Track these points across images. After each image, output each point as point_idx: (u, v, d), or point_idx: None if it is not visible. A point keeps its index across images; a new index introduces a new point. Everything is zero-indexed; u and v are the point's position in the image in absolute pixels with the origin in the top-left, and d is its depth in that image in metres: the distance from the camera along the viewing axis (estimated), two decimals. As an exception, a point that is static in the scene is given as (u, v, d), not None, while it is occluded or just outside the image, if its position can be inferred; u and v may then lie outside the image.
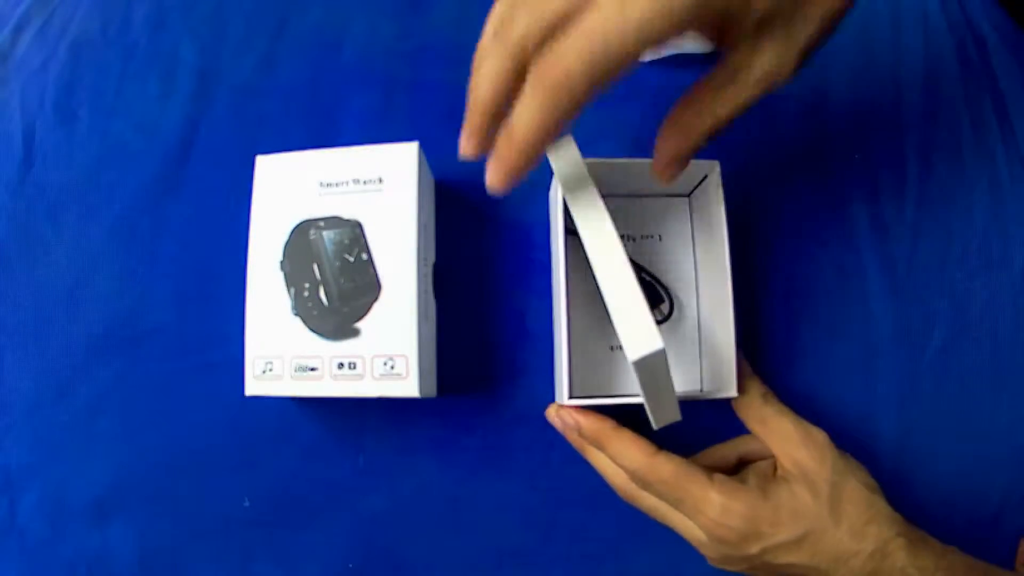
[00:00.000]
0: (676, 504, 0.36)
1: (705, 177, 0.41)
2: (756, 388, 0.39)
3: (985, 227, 0.46)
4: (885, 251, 0.45)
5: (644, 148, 0.46)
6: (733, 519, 0.34)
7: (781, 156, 0.47)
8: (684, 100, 0.30)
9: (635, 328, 0.29)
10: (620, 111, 0.47)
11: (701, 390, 0.42)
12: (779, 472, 0.38)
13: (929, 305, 0.45)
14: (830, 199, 0.46)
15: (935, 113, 0.47)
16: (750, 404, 0.39)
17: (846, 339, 0.44)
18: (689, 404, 0.39)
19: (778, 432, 0.38)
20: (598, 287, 0.29)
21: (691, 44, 0.45)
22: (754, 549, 0.34)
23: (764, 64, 0.28)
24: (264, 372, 0.38)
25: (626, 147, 0.46)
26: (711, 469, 0.36)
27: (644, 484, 0.36)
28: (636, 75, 0.47)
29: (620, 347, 0.42)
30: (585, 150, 0.40)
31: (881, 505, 0.35)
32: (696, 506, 0.35)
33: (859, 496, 0.35)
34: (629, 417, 0.44)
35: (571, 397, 0.37)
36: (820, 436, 0.38)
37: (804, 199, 0.46)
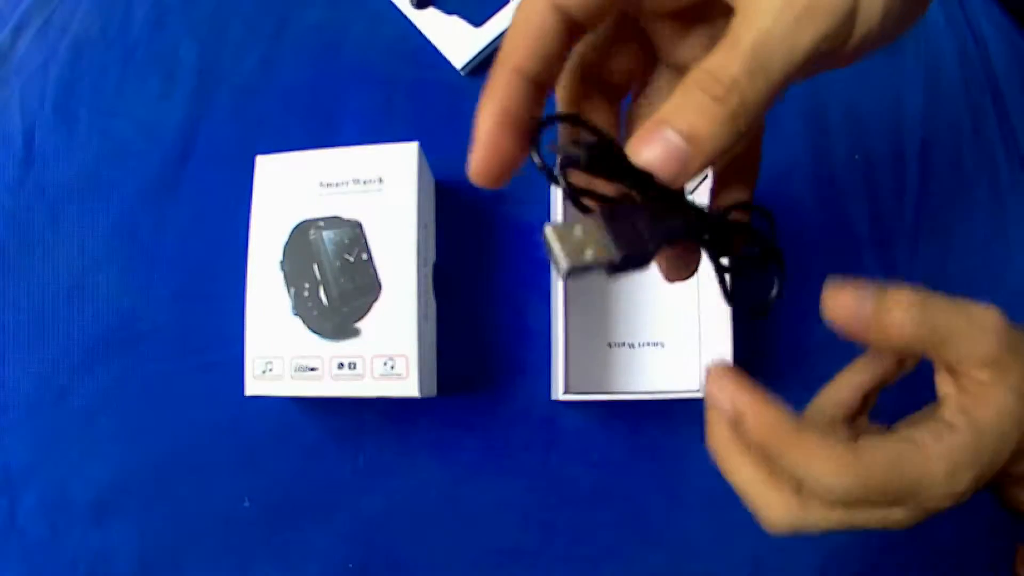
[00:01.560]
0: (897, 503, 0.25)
1: (706, 176, 0.41)
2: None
3: (985, 227, 0.46)
4: (885, 251, 0.45)
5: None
6: (961, 475, 0.24)
7: (781, 156, 0.47)
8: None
9: None
10: (621, 111, 0.47)
11: (700, 389, 0.42)
12: (969, 385, 0.25)
13: (929, 305, 0.45)
14: (830, 199, 0.46)
15: (935, 113, 0.47)
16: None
17: (846, 339, 0.44)
18: (689, 404, 0.39)
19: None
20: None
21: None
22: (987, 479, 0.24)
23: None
24: (264, 372, 0.38)
25: (626, 147, 0.46)
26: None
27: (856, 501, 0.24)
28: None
29: (617, 344, 0.42)
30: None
31: None
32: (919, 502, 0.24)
33: None
34: (629, 416, 0.44)
35: (566, 392, 0.37)
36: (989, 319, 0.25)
37: (804, 199, 0.46)
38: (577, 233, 0.20)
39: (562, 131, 0.23)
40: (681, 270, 0.26)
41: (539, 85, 0.22)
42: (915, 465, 0.24)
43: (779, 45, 0.19)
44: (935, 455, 0.24)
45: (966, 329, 0.25)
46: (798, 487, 0.25)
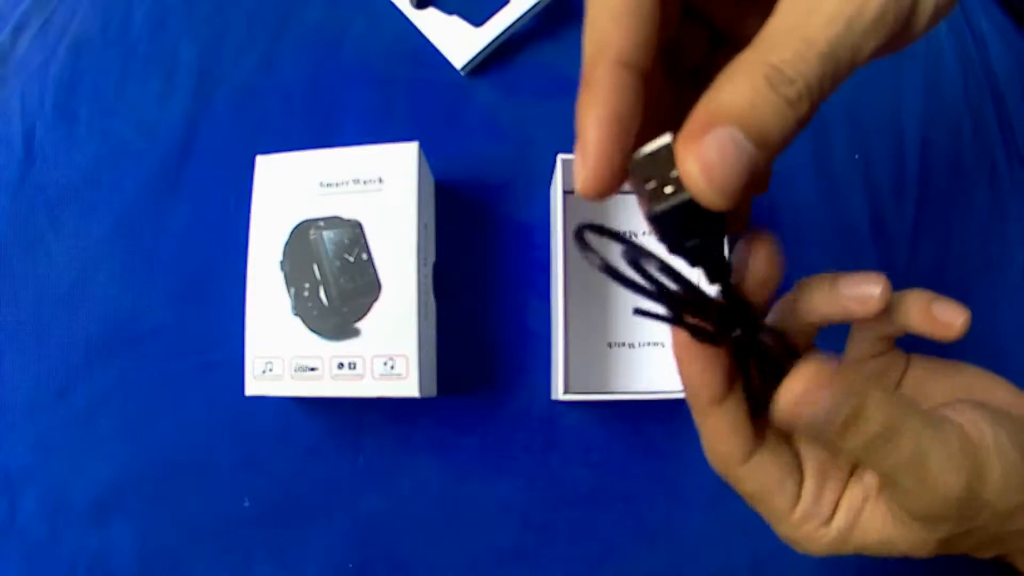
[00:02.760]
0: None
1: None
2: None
3: (985, 227, 0.46)
4: (885, 251, 0.45)
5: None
6: (809, 551, 0.25)
7: (781, 156, 0.46)
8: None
9: None
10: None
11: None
12: (885, 509, 0.24)
13: (929, 305, 0.45)
14: (830, 199, 0.46)
15: (935, 113, 0.47)
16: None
17: (845, 339, 0.44)
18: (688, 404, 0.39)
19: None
20: None
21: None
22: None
23: None
24: (264, 372, 0.38)
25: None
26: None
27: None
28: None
29: (617, 344, 0.42)
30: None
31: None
32: (775, 530, 0.25)
33: (979, 537, 0.23)
34: (629, 416, 0.44)
35: (566, 392, 0.38)
36: (959, 492, 0.21)
37: (804, 199, 0.46)
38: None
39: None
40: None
41: (644, 76, 0.19)
42: (772, 509, 0.24)
43: (851, 37, 0.17)
44: (791, 522, 0.24)
45: (911, 484, 0.21)
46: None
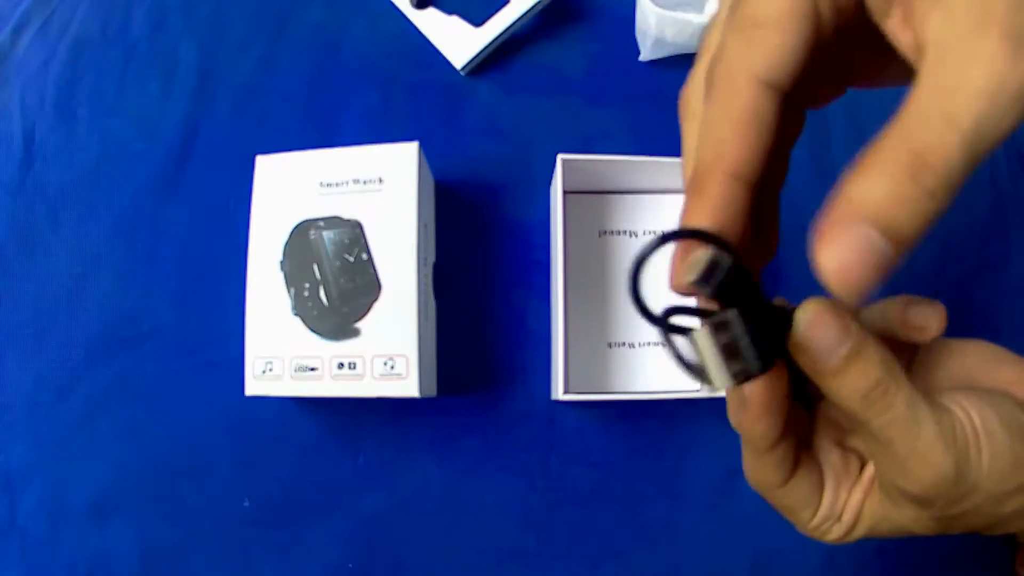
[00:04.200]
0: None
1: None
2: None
3: (985, 227, 0.46)
4: (885, 251, 0.45)
5: (645, 146, 0.46)
6: (826, 540, 0.27)
7: (781, 156, 0.47)
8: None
9: None
10: (622, 111, 0.47)
11: (700, 389, 0.42)
12: (883, 491, 0.26)
13: (929, 305, 0.45)
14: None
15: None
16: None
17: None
18: (689, 404, 0.39)
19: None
20: None
21: (698, 42, 0.45)
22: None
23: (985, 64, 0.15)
24: (264, 372, 0.38)
25: (628, 145, 0.46)
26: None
27: None
28: (636, 74, 0.47)
29: (617, 344, 0.42)
30: (588, 148, 0.40)
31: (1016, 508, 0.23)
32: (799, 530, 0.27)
33: (978, 517, 0.24)
34: (629, 416, 0.44)
35: (566, 392, 0.37)
36: (949, 469, 0.21)
37: (804, 199, 0.46)
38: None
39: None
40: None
41: (753, 189, 0.19)
42: (798, 517, 0.26)
43: (995, 123, 0.15)
44: (811, 526, 0.25)
45: (904, 452, 0.21)
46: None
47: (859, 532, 0.25)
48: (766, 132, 0.19)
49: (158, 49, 0.48)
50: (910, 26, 0.17)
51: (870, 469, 0.25)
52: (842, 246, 0.16)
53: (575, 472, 0.43)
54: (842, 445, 0.26)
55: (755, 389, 0.22)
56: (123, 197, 0.46)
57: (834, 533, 0.26)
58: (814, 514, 0.25)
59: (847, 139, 0.47)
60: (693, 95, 0.22)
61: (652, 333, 0.42)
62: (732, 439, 0.33)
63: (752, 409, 0.23)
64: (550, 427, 0.43)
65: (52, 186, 0.46)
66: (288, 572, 0.42)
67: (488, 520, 0.43)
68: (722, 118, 0.18)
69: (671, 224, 0.44)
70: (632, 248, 0.43)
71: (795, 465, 0.25)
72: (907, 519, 0.24)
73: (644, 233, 0.44)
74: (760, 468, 0.25)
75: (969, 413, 0.22)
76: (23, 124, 0.47)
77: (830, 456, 0.26)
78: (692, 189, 0.19)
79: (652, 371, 0.42)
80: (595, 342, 0.42)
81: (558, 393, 0.37)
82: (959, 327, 0.46)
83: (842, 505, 0.25)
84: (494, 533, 0.42)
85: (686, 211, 0.19)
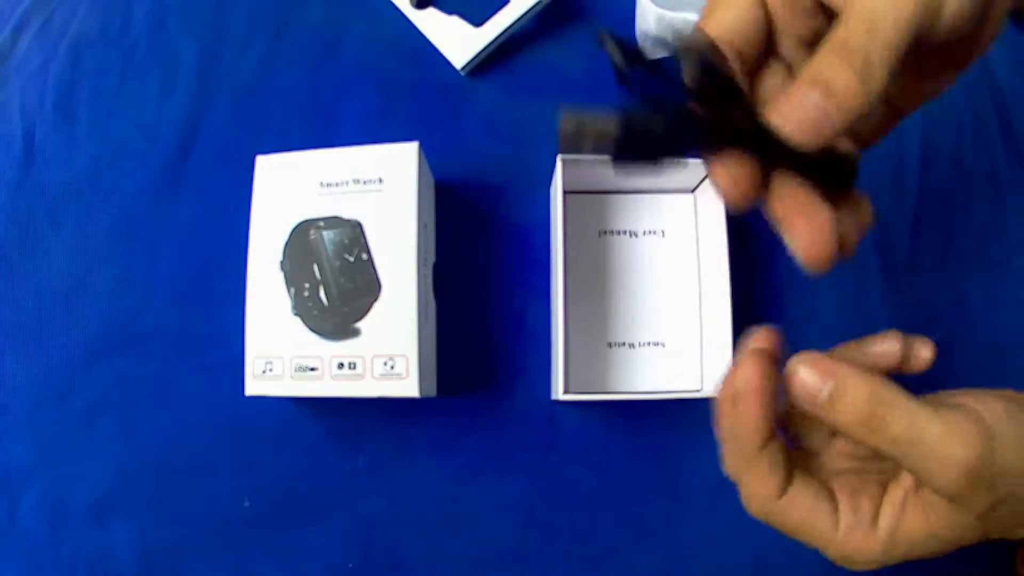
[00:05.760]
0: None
1: (706, 175, 0.41)
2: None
3: (985, 227, 0.46)
4: (885, 251, 0.45)
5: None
6: (862, 566, 0.27)
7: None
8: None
9: None
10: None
11: (700, 389, 0.42)
12: (917, 493, 0.26)
13: (929, 305, 0.45)
14: (830, 199, 0.46)
15: (935, 113, 0.47)
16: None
17: (846, 339, 0.44)
18: (689, 404, 0.39)
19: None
20: None
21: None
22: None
23: None
24: (264, 372, 0.38)
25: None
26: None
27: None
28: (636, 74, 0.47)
29: (617, 344, 0.42)
30: (586, 150, 0.40)
31: None
32: (826, 554, 0.27)
33: (1021, 508, 0.24)
34: (629, 416, 0.44)
35: (566, 392, 0.37)
36: (971, 458, 0.23)
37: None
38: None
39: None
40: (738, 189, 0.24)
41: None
42: (818, 534, 0.26)
43: (886, 16, 0.21)
44: (838, 540, 0.26)
45: (920, 456, 0.23)
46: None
47: (904, 543, 0.25)
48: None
49: (158, 49, 0.48)
50: None
51: (900, 486, 0.26)
52: (792, 108, 0.22)
53: (575, 472, 0.43)
54: (853, 469, 0.28)
55: (745, 370, 0.26)
56: (123, 197, 0.46)
57: (875, 547, 0.25)
58: (835, 525, 0.26)
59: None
60: None
61: (652, 333, 0.42)
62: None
63: (746, 399, 0.25)
64: (550, 427, 0.43)
65: (52, 186, 0.46)
66: (288, 572, 0.42)
67: (488, 520, 0.43)
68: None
69: (674, 222, 0.44)
70: (632, 248, 0.43)
71: (789, 474, 0.26)
72: (952, 524, 0.24)
73: (644, 233, 0.44)
74: (755, 477, 0.26)
75: (986, 401, 0.24)
76: (23, 124, 0.47)
77: (836, 471, 0.28)
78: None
79: (652, 371, 0.42)
80: (595, 342, 0.42)
81: (558, 393, 0.37)
82: (960, 326, 0.46)
83: (871, 511, 0.26)
84: (494, 533, 0.42)
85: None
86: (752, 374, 0.25)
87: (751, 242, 0.45)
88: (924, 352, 0.29)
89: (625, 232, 0.44)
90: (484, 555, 0.42)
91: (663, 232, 0.44)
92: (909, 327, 0.44)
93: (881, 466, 0.28)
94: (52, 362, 0.44)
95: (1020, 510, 0.24)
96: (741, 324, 0.39)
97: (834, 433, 0.28)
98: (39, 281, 0.45)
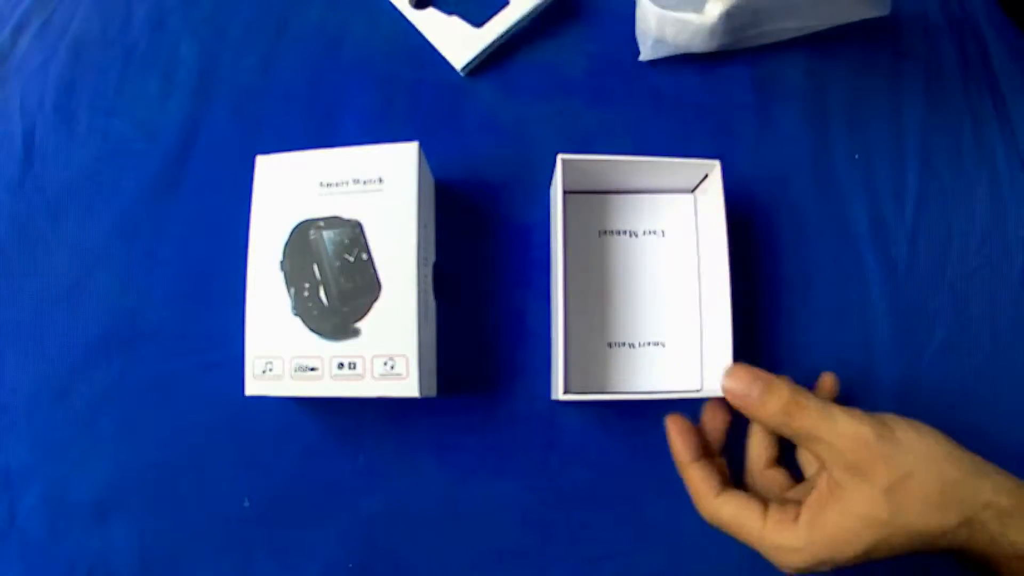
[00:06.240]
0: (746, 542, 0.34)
1: (706, 176, 0.41)
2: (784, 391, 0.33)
3: (985, 227, 0.46)
4: (885, 251, 0.45)
5: (645, 146, 0.46)
6: (792, 558, 0.32)
7: (781, 156, 0.47)
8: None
9: None
10: (622, 111, 0.47)
11: (700, 389, 0.42)
12: (830, 481, 0.32)
13: (929, 305, 0.45)
14: (830, 199, 0.46)
15: (935, 113, 0.47)
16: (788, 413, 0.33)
17: (846, 338, 0.44)
18: (690, 404, 0.39)
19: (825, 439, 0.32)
20: None
21: (698, 42, 0.45)
22: (831, 566, 0.32)
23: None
24: (264, 372, 0.38)
25: (628, 145, 0.46)
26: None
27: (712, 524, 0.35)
28: (636, 74, 0.47)
29: (617, 344, 0.42)
30: (588, 148, 0.40)
31: (957, 479, 0.30)
32: (760, 549, 0.33)
33: (926, 489, 0.30)
34: (629, 416, 0.44)
35: (566, 393, 0.37)
36: (868, 432, 0.31)
37: (804, 199, 0.46)
38: None
39: None
40: None
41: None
42: (748, 527, 0.33)
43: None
44: (767, 531, 0.32)
45: (829, 436, 0.31)
46: None
47: (822, 531, 0.31)
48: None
49: (158, 49, 0.48)
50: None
51: (818, 491, 0.32)
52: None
53: (575, 472, 0.43)
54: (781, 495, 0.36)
55: (672, 426, 0.37)
56: (123, 197, 0.46)
57: (797, 532, 0.31)
58: (763, 519, 0.32)
59: (847, 140, 0.47)
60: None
61: (652, 333, 0.42)
62: (732, 439, 0.39)
63: (670, 438, 0.37)
64: (550, 427, 0.43)
65: (52, 186, 0.46)
66: (288, 572, 0.42)
67: (488, 520, 0.43)
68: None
69: (673, 222, 0.44)
70: (632, 248, 0.43)
71: (723, 483, 0.35)
72: (863, 503, 0.30)
73: (644, 233, 0.44)
74: (692, 482, 0.35)
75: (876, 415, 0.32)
76: (23, 124, 0.47)
77: (768, 487, 0.37)
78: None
79: (652, 371, 0.42)
80: (595, 342, 0.42)
81: (558, 393, 0.37)
82: (960, 326, 0.46)
83: (794, 510, 0.32)
84: (494, 533, 0.42)
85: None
86: (671, 424, 0.37)
87: (751, 242, 0.45)
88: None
89: (625, 232, 0.44)
90: (484, 555, 0.42)
91: (663, 232, 0.44)
92: (909, 327, 0.44)
93: (803, 492, 0.35)
94: (52, 362, 0.44)
95: (928, 493, 0.30)
96: (741, 324, 0.39)
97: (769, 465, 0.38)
98: (39, 281, 0.45)
